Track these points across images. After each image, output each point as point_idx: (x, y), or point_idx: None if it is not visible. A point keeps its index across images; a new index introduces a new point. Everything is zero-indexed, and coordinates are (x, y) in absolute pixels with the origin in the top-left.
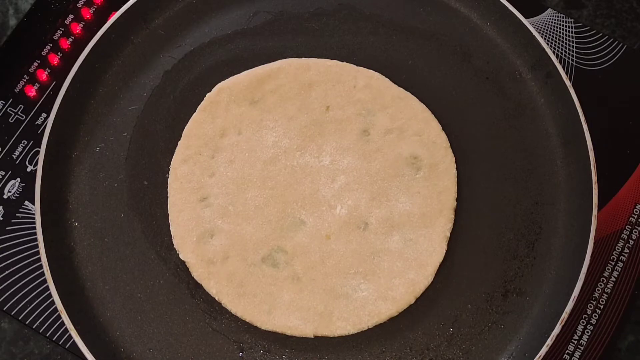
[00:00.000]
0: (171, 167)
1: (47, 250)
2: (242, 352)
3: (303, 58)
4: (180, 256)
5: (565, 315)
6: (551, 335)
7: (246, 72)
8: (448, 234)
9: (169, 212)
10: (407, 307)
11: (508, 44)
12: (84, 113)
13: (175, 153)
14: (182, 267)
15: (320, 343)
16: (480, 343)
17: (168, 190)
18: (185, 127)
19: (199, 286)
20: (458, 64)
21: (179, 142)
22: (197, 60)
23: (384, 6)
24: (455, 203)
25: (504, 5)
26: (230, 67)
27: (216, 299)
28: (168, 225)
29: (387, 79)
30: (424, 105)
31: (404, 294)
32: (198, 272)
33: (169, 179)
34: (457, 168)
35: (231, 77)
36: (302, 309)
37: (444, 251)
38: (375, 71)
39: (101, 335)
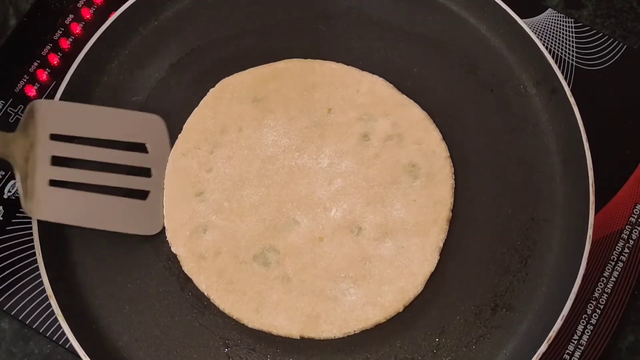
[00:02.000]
0: (169, 159)
1: (40, 234)
2: (227, 349)
3: (308, 59)
4: (172, 249)
5: (552, 333)
6: (537, 353)
7: (250, 70)
8: (441, 245)
9: (164, 203)
10: (395, 314)
11: (515, 57)
12: (88, 100)
13: (174, 145)
14: (174, 259)
15: (306, 345)
16: (466, 356)
17: (164, 182)
18: (187, 120)
19: (188, 280)
20: (463, 75)
21: (179, 135)
22: (204, 56)
23: (393, 12)
24: (450, 214)
25: (513, 18)
26: (235, 65)
27: (205, 294)
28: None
29: (391, 85)
30: (426, 114)
31: (392, 302)
32: (189, 267)
33: (166, 171)
34: (455, 179)
35: (235, 74)
36: (290, 310)
37: (436, 261)
38: (380, 77)
39: (89, 323)
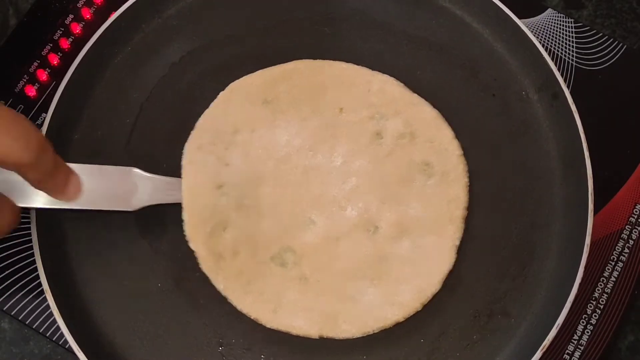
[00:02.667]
0: (185, 152)
1: (38, 231)
2: (221, 347)
3: (318, 60)
4: (191, 246)
5: (547, 342)
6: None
7: (260, 71)
8: (457, 243)
9: (182, 195)
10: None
11: (517, 62)
12: (89, 97)
13: (188, 141)
14: (171, 256)
15: (300, 345)
16: None
17: (182, 173)
18: (198, 120)
19: (184, 278)
20: (465, 79)
21: (192, 132)
22: (206, 55)
23: (396, 15)
24: (466, 212)
25: (517, 24)
26: (237, 65)
27: (222, 294)
28: (160, 213)
29: (402, 84)
30: (437, 112)
31: (410, 301)
32: (207, 266)
33: (182, 162)
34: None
35: (244, 77)
36: (308, 310)
37: (453, 260)
38: None
39: (84, 318)
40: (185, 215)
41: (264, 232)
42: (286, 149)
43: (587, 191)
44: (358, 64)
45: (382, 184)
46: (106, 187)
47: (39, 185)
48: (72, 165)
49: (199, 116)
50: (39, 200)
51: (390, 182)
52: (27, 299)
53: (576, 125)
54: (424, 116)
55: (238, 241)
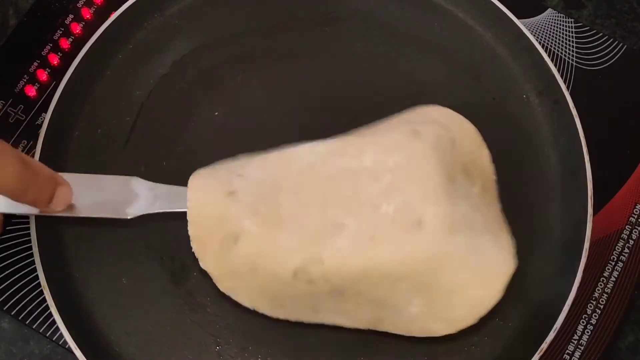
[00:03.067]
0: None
1: (38, 230)
2: (218, 347)
3: None
4: (201, 265)
5: (545, 345)
6: None
7: None
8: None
9: (188, 206)
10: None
11: (519, 67)
12: (89, 95)
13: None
14: (167, 255)
15: (296, 345)
16: None
17: (189, 183)
18: None
19: (182, 276)
20: (467, 82)
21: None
22: (208, 54)
23: (399, 17)
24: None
25: (519, 28)
26: (239, 64)
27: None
28: (159, 213)
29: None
30: (476, 129)
31: (464, 315)
32: (225, 286)
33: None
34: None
35: None
36: (349, 314)
37: (516, 262)
38: (385, 80)
39: (83, 318)
40: (191, 230)
41: (284, 243)
42: (309, 156)
43: (587, 196)
44: (358, 66)
45: (423, 179)
46: (102, 196)
47: (19, 201)
48: (67, 176)
49: (200, 115)
50: (24, 208)
51: (432, 177)
52: (27, 299)
53: (577, 130)
54: (463, 129)
55: (254, 255)
